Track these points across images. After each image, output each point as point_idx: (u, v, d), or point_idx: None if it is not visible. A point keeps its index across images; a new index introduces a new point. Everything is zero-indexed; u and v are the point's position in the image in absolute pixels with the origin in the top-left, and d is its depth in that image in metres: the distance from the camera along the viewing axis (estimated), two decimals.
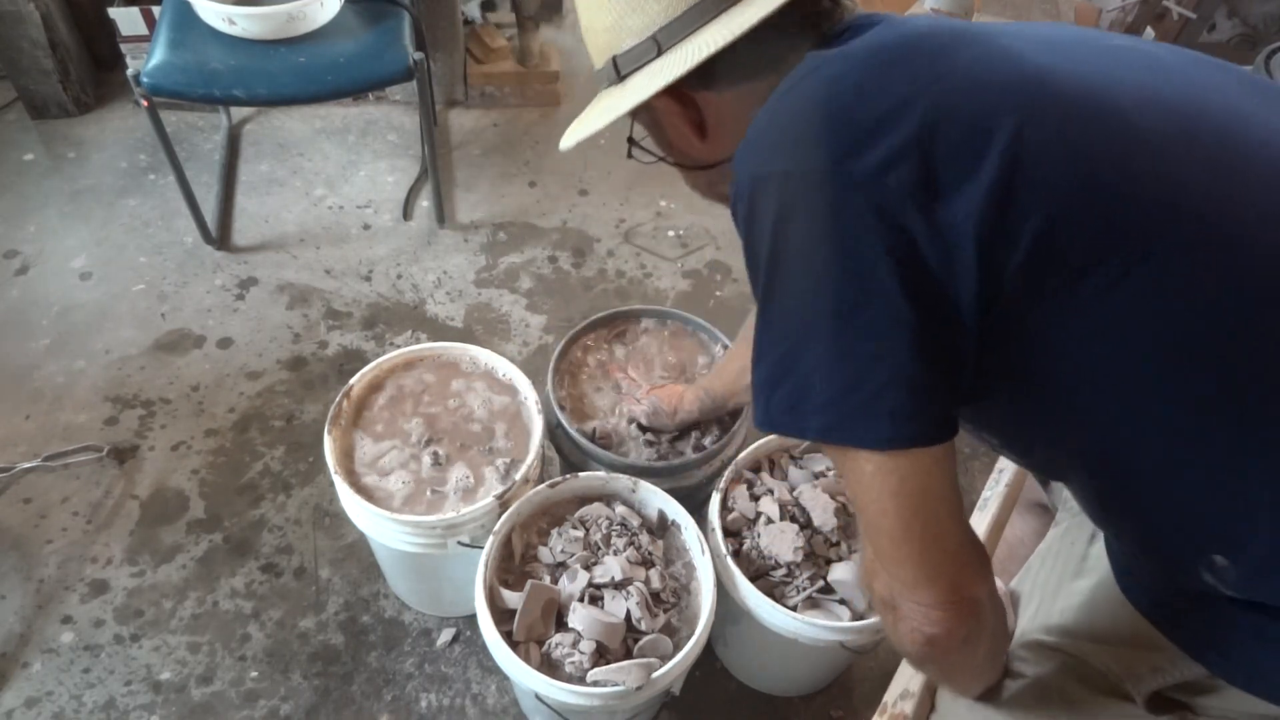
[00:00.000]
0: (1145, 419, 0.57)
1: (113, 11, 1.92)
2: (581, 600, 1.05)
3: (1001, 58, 0.57)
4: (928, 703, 0.96)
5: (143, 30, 1.96)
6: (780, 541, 1.12)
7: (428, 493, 1.16)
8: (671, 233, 2.09)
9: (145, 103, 1.63)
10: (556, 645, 1.02)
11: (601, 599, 1.06)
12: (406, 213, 2.08)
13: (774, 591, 1.11)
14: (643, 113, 0.72)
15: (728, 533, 1.16)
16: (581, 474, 1.18)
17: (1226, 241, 0.53)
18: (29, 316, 1.77)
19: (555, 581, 1.08)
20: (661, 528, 1.17)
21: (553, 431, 1.29)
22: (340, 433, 1.21)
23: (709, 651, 1.37)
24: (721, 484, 1.18)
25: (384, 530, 1.13)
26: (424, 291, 1.91)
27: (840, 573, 1.10)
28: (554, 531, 1.13)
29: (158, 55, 1.63)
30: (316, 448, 1.58)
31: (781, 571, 1.12)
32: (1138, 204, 0.54)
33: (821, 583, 1.11)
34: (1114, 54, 0.60)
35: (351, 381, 1.24)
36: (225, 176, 2.11)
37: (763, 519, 1.16)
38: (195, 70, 1.63)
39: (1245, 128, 0.57)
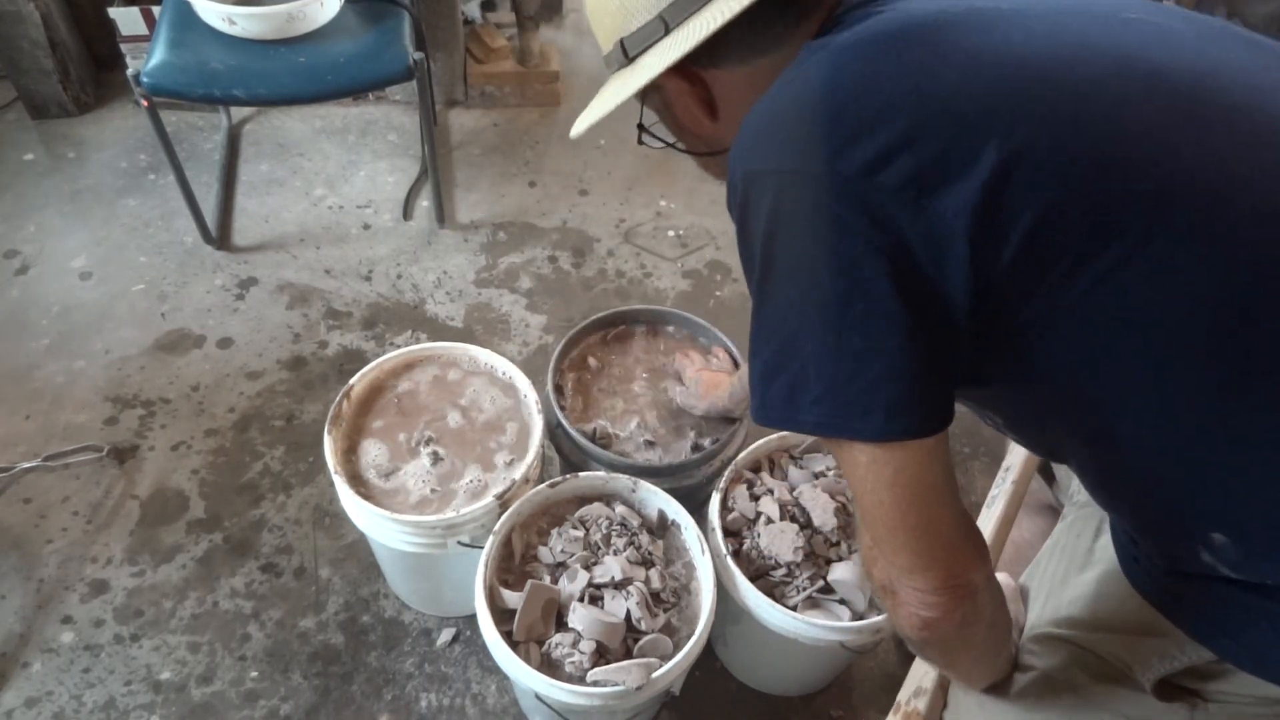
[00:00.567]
0: (1145, 404, 0.58)
1: (113, 11, 1.91)
2: (581, 600, 1.05)
3: (1001, 48, 0.57)
4: (940, 699, 0.96)
5: (143, 30, 1.95)
6: (780, 541, 1.12)
7: (428, 492, 1.16)
8: (671, 233, 2.09)
9: (145, 103, 1.63)
10: (556, 645, 1.02)
11: (601, 599, 1.06)
12: (406, 213, 2.08)
13: (774, 591, 1.11)
14: (653, 95, 0.73)
15: (728, 533, 1.16)
16: (581, 474, 1.18)
17: (1229, 228, 0.53)
18: (29, 316, 1.77)
19: (555, 581, 1.08)
20: (661, 528, 1.17)
21: (553, 431, 1.29)
22: (340, 433, 1.21)
23: (709, 651, 1.37)
24: (721, 484, 1.18)
25: (384, 530, 1.14)
26: (424, 291, 1.91)
27: (840, 573, 1.10)
28: (554, 531, 1.13)
29: (158, 55, 1.63)
30: (316, 448, 1.58)
31: (781, 571, 1.12)
32: (1136, 195, 0.53)
33: (821, 583, 1.11)
34: (1123, 27, 0.60)
35: (351, 381, 1.25)
36: (225, 176, 2.11)
37: (763, 519, 1.16)
38: (195, 70, 1.63)
39: (1262, 101, 0.56)
